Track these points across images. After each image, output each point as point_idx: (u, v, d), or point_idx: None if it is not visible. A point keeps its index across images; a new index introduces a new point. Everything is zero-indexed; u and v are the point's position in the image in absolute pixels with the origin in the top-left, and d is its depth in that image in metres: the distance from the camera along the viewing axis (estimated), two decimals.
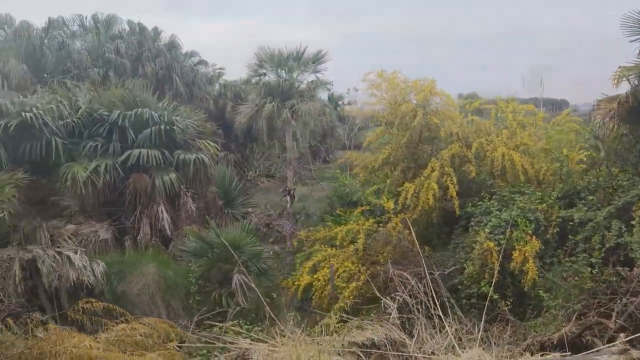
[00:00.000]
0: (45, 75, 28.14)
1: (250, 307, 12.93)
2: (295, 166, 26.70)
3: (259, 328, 11.33)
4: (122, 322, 9.78)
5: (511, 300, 12.32)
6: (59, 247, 13.75)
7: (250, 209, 22.81)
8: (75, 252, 13.48)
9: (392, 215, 14.27)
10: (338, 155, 53.86)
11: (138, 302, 13.09)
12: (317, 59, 23.97)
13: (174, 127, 15.87)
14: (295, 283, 14.03)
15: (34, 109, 14.55)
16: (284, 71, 24.41)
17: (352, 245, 14.35)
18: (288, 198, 24.09)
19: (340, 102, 52.37)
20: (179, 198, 15.80)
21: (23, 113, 14.25)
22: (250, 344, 10.54)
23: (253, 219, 21.26)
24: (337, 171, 26.62)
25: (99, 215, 15.54)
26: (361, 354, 10.26)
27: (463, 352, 10.03)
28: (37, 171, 14.70)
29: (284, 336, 10.24)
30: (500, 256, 12.30)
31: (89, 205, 15.22)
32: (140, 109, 15.66)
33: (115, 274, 13.54)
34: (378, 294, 12.29)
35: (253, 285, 12.74)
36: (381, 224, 14.62)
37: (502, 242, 12.55)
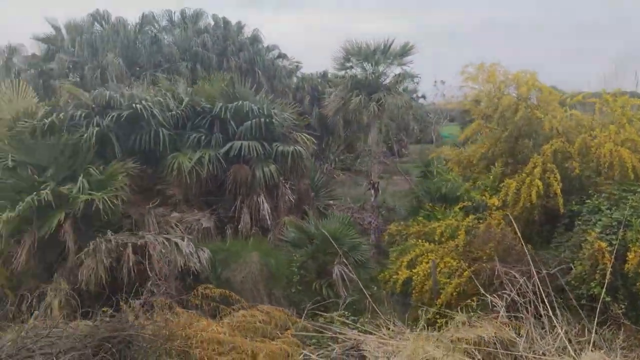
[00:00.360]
0: (137, 69, 29.39)
1: (352, 299, 13.03)
2: (379, 159, 26.59)
3: (365, 320, 11.41)
4: (240, 308, 10.10)
5: (624, 304, 11.82)
6: (167, 233, 14.39)
7: (331, 202, 22.96)
8: (183, 239, 14.07)
9: (493, 212, 13.99)
10: (411, 150, 53.27)
11: (241, 289, 13.45)
12: (404, 52, 23.79)
13: (273, 120, 16.20)
14: (394, 277, 14.02)
15: (142, 101, 15.24)
16: (370, 64, 24.38)
17: (451, 241, 14.19)
18: (372, 191, 24.09)
19: (413, 96, 51.70)
20: (277, 189, 16.15)
21: (134, 105, 14.94)
22: (359, 335, 10.64)
23: (334, 212, 21.42)
24: (418, 164, 26.41)
25: (200, 204, 16.11)
26: (470, 352, 10.13)
27: (577, 354, 9.72)
28: (144, 161, 15.41)
29: (389, 328, 10.28)
30: (613, 257, 11.80)
31: (191, 195, 15.80)
32: (240, 102, 16.10)
33: (220, 262, 14.00)
34: (483, 291, 12.11)
35: (354, 276, 12.87)
36: (480, 220, 14.36)
37: (614, 242, 12.04)
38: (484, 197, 14.43)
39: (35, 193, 12.97)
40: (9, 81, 17.08)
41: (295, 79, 41.97)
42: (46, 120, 14.47)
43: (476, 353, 9.94)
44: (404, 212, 22.91)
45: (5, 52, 27.64)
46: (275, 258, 14.10)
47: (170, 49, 30.00)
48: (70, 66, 28.24)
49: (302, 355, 9.15)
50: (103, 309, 9.48)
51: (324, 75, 44.59)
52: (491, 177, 14.96)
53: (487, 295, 11.69)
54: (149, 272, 13.89)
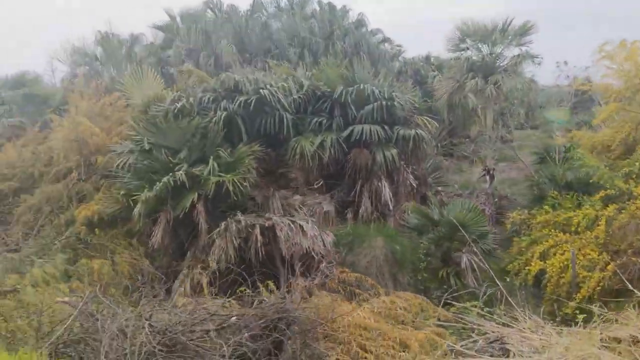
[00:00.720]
0: (247, 55, 30.00)
1: (485, 290, 12.50)
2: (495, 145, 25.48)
3: (501, 311, 10.91)
4: (376, 294, 9.95)
5: None
6: (292, 216, 14.55)
7: (439, 188, 22.29)
8: (307, 222, 14.16)
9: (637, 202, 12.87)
10: (516, 135, 50.80)
11: (366, 274, 13.30)
12: (524, 31, 22.44)
13: (394, 103, 15.85)
14: (526, 268, 13.33)
15: (268, 86, 15.42)
16: (486, 45, 23.31)
17: (588, 232, 13.26)
18: (487, 178, 23.10)
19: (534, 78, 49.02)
20: (398, 174, 15.84)
21: (260, 90, 15.15)
22: (498, 327, 10.16)
23: (443, 198, 20.74)
24: (535, 150, 25.00)
25: (320, 188, 16.13)
26: (625, 351, 9.34)
27: None
28: (267, 144, 15.62)
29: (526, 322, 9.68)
30: None
31: (312, 178, 15.85)
32: (361, 85, 15.87)
33: (344, 245, 13.95)
34: (631, 287, 11.19)
35: (485, 265, 12.31)
36: (623, 210, 13.28)
37: None
38: (627, 185, 13.32)
39: (170, 174, 13.52)
40: (139, 68, 17.92)
41: (397, 63, 41.21)
42: (177, 105, 15.02)
43: (636, 355, 9.21)
44: (520, 200, 21.76)
45: (128, 42, 29.22)
46: (400, 244, 13.83)
47: (279, 35, 30.34)
48: (185, 53, 29.32)
49: (445, 346, 8.84)
50: (267, 285, 9.68)
51: (427, 58, 43.57)
52: (637, 163, 13.75)
53: (636, 291, 10.81)
54: (275, 254, 14.18)
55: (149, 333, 6.47)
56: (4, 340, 8.25)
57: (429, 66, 42.31)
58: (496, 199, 24.90)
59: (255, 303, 7.81)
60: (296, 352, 6.73)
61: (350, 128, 15.62)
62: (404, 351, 8.07)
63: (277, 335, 6.72)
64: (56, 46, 35.52)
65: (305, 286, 10.04)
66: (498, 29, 22.50)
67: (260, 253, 13.50)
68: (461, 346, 9.39)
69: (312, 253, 13.67)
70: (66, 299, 8.52)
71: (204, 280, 12.99)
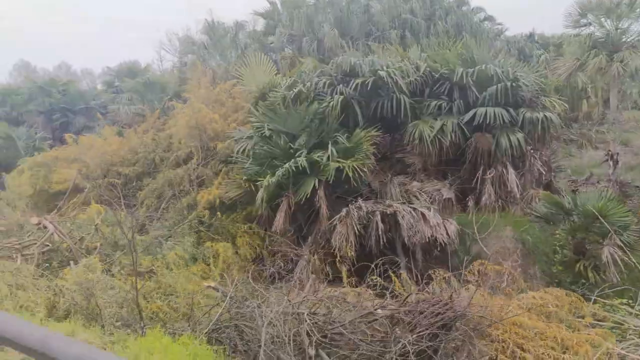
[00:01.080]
0: (348, 38, 29.64)
1: (625, 285, 11.53)
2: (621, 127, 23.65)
3: None
4: (519, 289, 9.35)
5: None
6: (412, 203, 14.13)
7: (552, 174, 20.92)
8: (429, 209, 13.69)
9: None
10: (626, 117, 47.17)
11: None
12: None
13: (519, 84, 14.90)
14: None
15: (384, 68, 14.98)
16: (610, 20, 21.57)
17: None
18: (611, 163, 21.48)
19: None
20: (523, 159, 14.94)
21: (378, 71, 14.75)
22: None
23: (554, 184, 19.42)
24: None
25: (437, 174, 15.56)
26: None
27: None
28: (383, 128, 15.21)
29: None
30: None
31: (430, 164, 15.30)
32: (484, 66, 15.03)
33: (469, 235, 13.36)
34: None
35: (632, 260, 11.34)
36: None
37: None
38: None
39: (292, 160, 13.49)
40: (254, 55, 18.05)
41: (499, 42, 39.38)
42: (295, 90, 14.94)
43: None
44: None
45: (232, 29, 29.75)
46: (531, 234, 13.03)
47: (379, 17, 29.73)
48: (287, 39, 29.46)
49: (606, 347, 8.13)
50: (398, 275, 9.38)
51: (531, 36, 41.36)
52: None
53: None
54: (395, 242, 13.84)
55: (308, 321, 6.33)
56: (147, 321, 8.48)
57: (533, 44, 40.20)
58: (617, 186, 23.20)
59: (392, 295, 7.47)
60: (462, 352, 6.34)
61: (473, 111, 14.85)
62: (564, 353, 7.47)
63: (444, 333, 6.36)
64: (162, 37, 36.97)
65: (445, 278, 9.58)
66: (624, 2, 20.74)
67: (381, 240, 13.23)
68: (622, 348, 8.65)
69: (435, 242, 13.27)
70: (212, 284, 8.62)
71: (328, 267, 12.93)
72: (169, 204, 16.61)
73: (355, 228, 13.17)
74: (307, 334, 6.32)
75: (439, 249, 13.34)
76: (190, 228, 15.15)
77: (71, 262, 10.32)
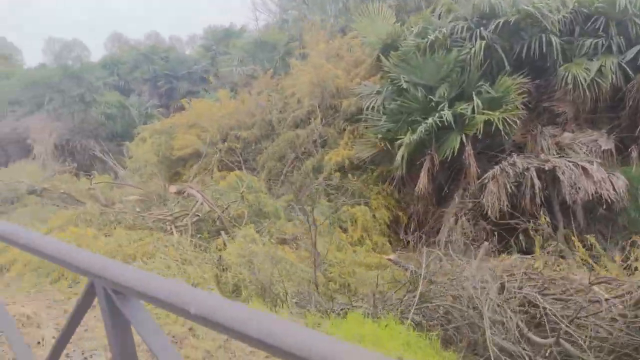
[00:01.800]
0: None
1: None
2: None
3: None
4: None
5: None
6: (565, 156, 12.64)
7: None
8: (592, 163, 12.16)
9: None
10: None
11: None
12: None
13: None
14: None
15: (529, 5, 13.29)
16: None
17: None
18: None
19: None
20: None
21: (522, 7, 13.11)
22: None
23: None
24: None
25: (589, 123, 13.84)
26: None
27: None
28: (527, 74, 13.62)
29: None
30: None
31: (583, 112, 13.60)
32: None
33: (638, 190, 11.76)
34: None
35: None
36: None
37: None
38: None
39: (435, 114, 12.33)
40: (372, 5, 16.73)
41: None
42: (429, 38, 13.62)
43: None
44: None
45: None
46: None
47: None
48: None
49: None
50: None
51: None
52: None
53: None
54: (552, 201, 12.47)
55: (545, 305, 5.32)
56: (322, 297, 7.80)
57: None
58: None
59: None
60: None
61: (638, 47, 12.91)
62: None
63: None
64: None
65: None
66: None
67: (538, 199, 11.92)
68: None
69: (600, 199, 11.78)
70: (392, 256, 7.79)
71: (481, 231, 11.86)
72: (292, 166, 16.04)
73: (509, 186, 11.94)
74: (539, 320, 5.34)
75: (604, 207, 11.84)
76: (320, 191, 14.49)
77: (222, 232, 9.87)
